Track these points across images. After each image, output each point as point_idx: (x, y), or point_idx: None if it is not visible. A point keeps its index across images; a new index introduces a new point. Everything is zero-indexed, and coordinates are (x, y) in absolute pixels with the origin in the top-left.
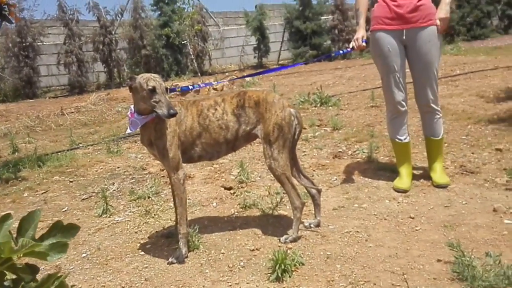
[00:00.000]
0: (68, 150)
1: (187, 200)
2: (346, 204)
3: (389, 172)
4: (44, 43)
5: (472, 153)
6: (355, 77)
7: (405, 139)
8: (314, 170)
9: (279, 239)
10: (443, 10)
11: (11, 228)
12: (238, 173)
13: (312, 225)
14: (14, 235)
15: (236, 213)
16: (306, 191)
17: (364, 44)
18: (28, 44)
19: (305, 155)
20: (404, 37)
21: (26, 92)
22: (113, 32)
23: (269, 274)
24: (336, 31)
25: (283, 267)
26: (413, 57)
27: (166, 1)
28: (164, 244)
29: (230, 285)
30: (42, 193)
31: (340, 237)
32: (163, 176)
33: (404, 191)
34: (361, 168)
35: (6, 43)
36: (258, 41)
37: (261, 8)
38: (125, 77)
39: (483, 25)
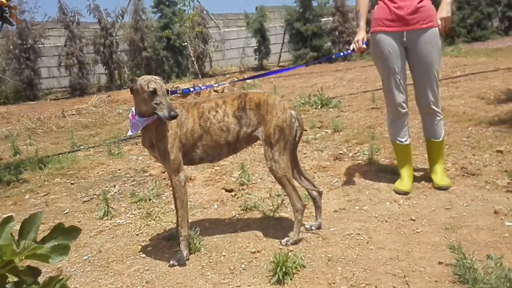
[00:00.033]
0: (69, 152)
1: (188, 202)
2: (347, 206)
3: (390, 174)
4: (45, 45)
5: (473, 155)
6: (355, 79)
7: (405, 141)
8: (315, 172)
9: (280, 242)
10: (444, 10)
11: (13, 230)
12: (239, 175)
13: (313, 227)
14: (16, 238)
15: (237, 215)
16: (307, 193)
17: (364, 46)
18: (29, 46)
19: (306, 157)
20: (404, 39)
21: (27, 94)
22: (114, 34)
23: (270, 277)
24: (337, 33)
25: (284, 269)
26: (414, 59)
27: (167, 3)
28: (165, 246)
29: None
30: (44, 195)
31: (341, 240)
32: (164, 178)
33: (405, 193)
34: (362, 170)
35: (7, 45)
36: (259, 43)
37: (262, 10)
38: (126, 79)
39: (483, 27)
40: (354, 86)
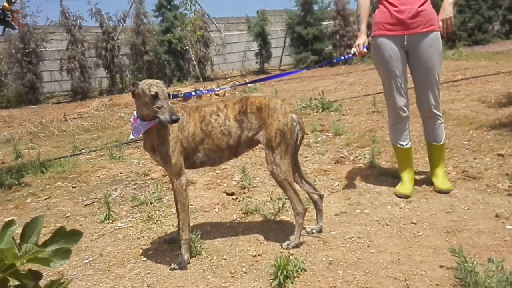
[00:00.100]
0: (71, 156)
1: (189, 206)
2: (348, 210)
3: (391, 177)
4: (47, 49)
5: (474, 159)
6: (356, 83)
7: (406, 144)
8: (316, 176)
9: (281, 245)
10: (446, 11)
11: (15, 234)
12: (240, 178)
13: (314, 231)
14: (18, 241)
15: (238, 219)
16: (308, 197)
17: (365, 50)
18: (31, 50)
19: (307, 160)
20: (405, 42)
21: (29, 98)
22: (115, 38)
23: (271, 280)
24: (338, 37)
25: (285, 273)
26: (415, 63)
27: (168, 7)
28: (166, 250)
29: None
30: (45, 199)
31: (342, 243)
32: (165, 182)
33: (406, 197)
34: (363, 174)
35: (9, 49)
36: (260, 47)
37: (263, 13)
38: (127, 82)
39: (484, 30)
40: (355, 89)
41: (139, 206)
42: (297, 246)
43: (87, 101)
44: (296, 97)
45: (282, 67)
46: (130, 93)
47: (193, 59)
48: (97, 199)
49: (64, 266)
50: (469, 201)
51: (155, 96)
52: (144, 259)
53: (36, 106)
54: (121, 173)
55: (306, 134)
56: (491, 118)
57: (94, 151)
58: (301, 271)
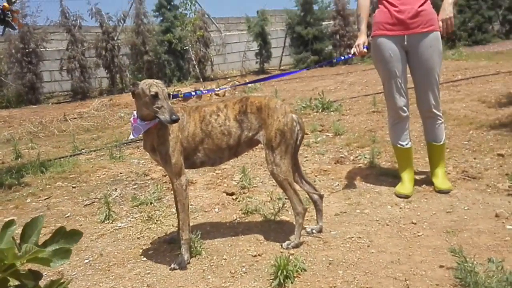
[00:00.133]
0: (71, 156)
1: (189, 206)
2: (348, 210)
3: (391, 177)
4: (47, 49)
5: (474, 159)
6: (356, 83)
7: (406, 144)
8: (316, 176)
9: (281, 245)
10: (446, 11)
11: (15, 234)
12: (240, 178)
13: (314, 231)
14: (18, 241)
15: (238, 219)
16: (308, 197)
17: (365, 50)
18: (31, 50)
19: (307, 160)
20: (405, 42)
21: (29, 98)
22: (115, 38)
23: (271, 280)
24: (338, 37)
25: (285, 273)
26: (415, 63)
27: (168, 7)
28: (166, 250)
29: None
30: (45, 199)
31: (342, 243)
32: (165, 182)
33: (406, 197)
34: (363, 174)
35: (9, 49)
36: (260, 47)
37: (263, 13)
38: (127, 82)
39: (484, 30)
40: (355, 89)
41: (139, 206)
42: (297, 246)
43: (87, 101)
44: (296, 97)
45: (282, 67)
46: (130, 93)
47: (193, 59)
48: (97, 199)
49: (64, 266)
50: (469, 201)
51: (155, 96)
52: (144, 259)
53: (36, 106)
54: (121, 173)
55: (306, 134)
56: (491, 118)
57: (94, 151)
58: (301, 271)
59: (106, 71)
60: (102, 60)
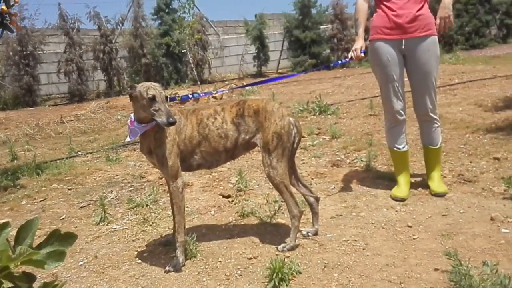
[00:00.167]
0: (67, 158)
1: (185, 208)
2: (344, 213)
3: (387, 180)
4: (45, 52)
5: (470, 162)
6: (354, 86)
7: (403, 148)
8: (312, 179)
9: (277, 248)
10: (446, 9)
11: (9, 236)
12: (237, 181)
13: (310, 234)
14: (12, 243)
15: (234, 221)
16: (304, 200)
17: (362, 54)
18: (28, 52)
19: (304, 163)
20: (403, 46)
21: (26, 100)
22: (113, 41)
23: (266, 283)
24: (335, 40)
25: (280, 275)
26: (412, 67)
27: (167, 11)
28: (161, 252)
29: None
30: (40, 201)
31: (338, 246)
32: (161, 184)
33: (402, 200)
34: (359, 177)
35: (7, 51)
36: (258, 50)
37: (261, 17)
38: (125, 85)
39: (481, 34)
40: (352, 93)
41: (135, 208)
42: (292, 248)
43: (84, 104)
44: (294, 100)
45: (279, 71)
46: (128, 96)
47: (190, 62)
48: (92, 201)
49: (58, 268)
50: (465, 205)
51: (153, 99)
52: (139, 261)
53: (33, 108)
54: (117, 175)
55: (303, 137)
56: (487, 122)
57: (91, 153)
58: (296, 273)
59: (104, 73)
60: (100, 62)
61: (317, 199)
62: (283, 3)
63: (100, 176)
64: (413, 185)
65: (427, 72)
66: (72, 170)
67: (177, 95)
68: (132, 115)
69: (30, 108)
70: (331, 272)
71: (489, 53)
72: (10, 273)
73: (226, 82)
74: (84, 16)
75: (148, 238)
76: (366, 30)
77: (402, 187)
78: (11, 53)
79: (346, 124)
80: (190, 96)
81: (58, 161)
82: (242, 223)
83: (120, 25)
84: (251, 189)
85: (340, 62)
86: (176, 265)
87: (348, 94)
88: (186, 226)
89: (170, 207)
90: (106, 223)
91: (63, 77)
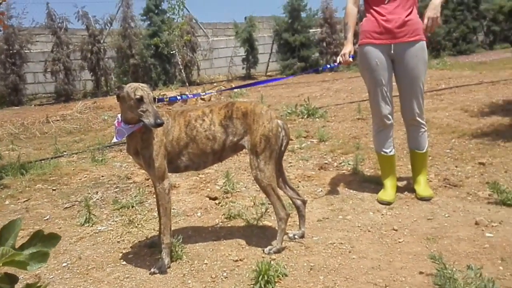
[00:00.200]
0: (52, 158)
1: (172, 210)
2: (330, 216)
3: (374, 184)
4: (32, 51)
5: (456, 167)
6: (342, 90)
7: (390, 152)
8: (299, 181)
9: (263, 250)
10: (434, 10)
11: None
12: (224, 183)
13: (296, 236)
14: None
15: (221, 224)
16: (291, 202)
17: (351, 59)
18: (15, 51)
19: (291, 166)
20: (392, 51)
21: (12, 99)
22: (101, 41)
23: (252, 285)
24: (324, 44)
25: (266, 278)
26: (400, 71)
27: (156, 12)
28: (146, 254)
29: None
30: (24, 201)
31: (324, 249)
32: (147, 186)
33: (388, 203)
34: (346, 180)
35: None
36: (247, 52)
37: (251, 20)
38: (112, 85)
39: (468, 41)
40: (341, 96)
41: (120, 210)
42: (279, 251)
43: (71, 104)
44: (282, 103)
45: (268, 73)
46: (115, 96)
47: (179, 63)
48: (77, 202)
49: (42, 270)
50: (450, 209)
51: (140, 100)
52: (124, 263)
53: (18, 107)
54: (102, 176)
55: (291, 140)
56: (473, 127)
57: (76, 153)
58: (282, 276)
59: (91, 73)
60: (88, 62)
61: (304, 202)
62: (273, 6)
63: (86, 176)
64: (399, 189)
65: (415, 77)
66: (57, 171)
67: (165, 96)
68: (119, 115)
69: (16, 108)
70: (317, 274)
71: (476, 59)
72: None
73: (215, 84)
74: (72, 16)
75: (134, 239)
76: (355, 35)
77: (388, 191)
78: None
79: (334, 127)
80: (178, 97)
81: (43, 161)
82: (228, 225)
83: (109, 25)
84: (238, 191)
85: (328, 66)
86: (162, 267)
87: (336, 97)
88: (172, 228)
89: (156, 209)
90: (90, 224)
91: (50, 76)
